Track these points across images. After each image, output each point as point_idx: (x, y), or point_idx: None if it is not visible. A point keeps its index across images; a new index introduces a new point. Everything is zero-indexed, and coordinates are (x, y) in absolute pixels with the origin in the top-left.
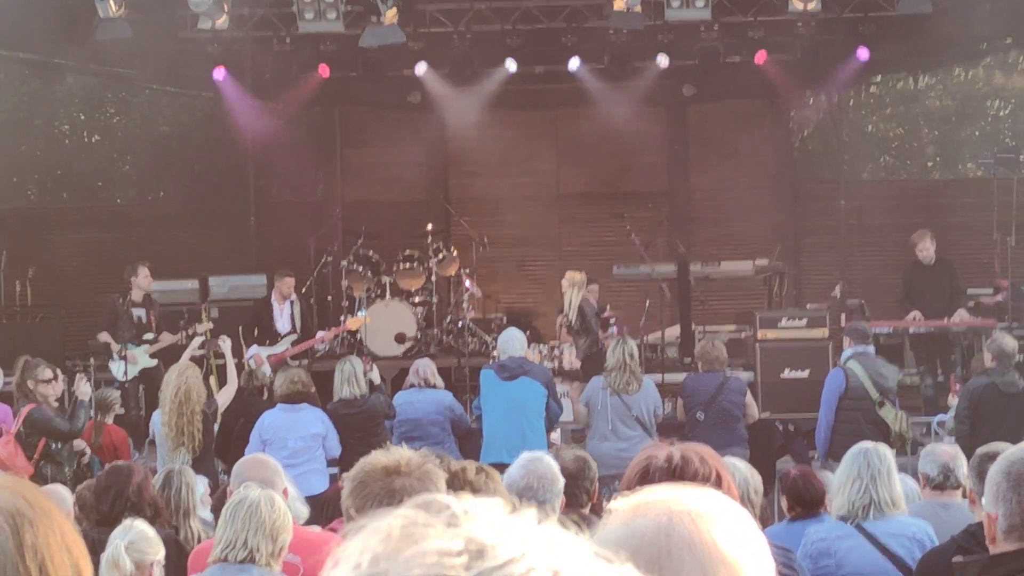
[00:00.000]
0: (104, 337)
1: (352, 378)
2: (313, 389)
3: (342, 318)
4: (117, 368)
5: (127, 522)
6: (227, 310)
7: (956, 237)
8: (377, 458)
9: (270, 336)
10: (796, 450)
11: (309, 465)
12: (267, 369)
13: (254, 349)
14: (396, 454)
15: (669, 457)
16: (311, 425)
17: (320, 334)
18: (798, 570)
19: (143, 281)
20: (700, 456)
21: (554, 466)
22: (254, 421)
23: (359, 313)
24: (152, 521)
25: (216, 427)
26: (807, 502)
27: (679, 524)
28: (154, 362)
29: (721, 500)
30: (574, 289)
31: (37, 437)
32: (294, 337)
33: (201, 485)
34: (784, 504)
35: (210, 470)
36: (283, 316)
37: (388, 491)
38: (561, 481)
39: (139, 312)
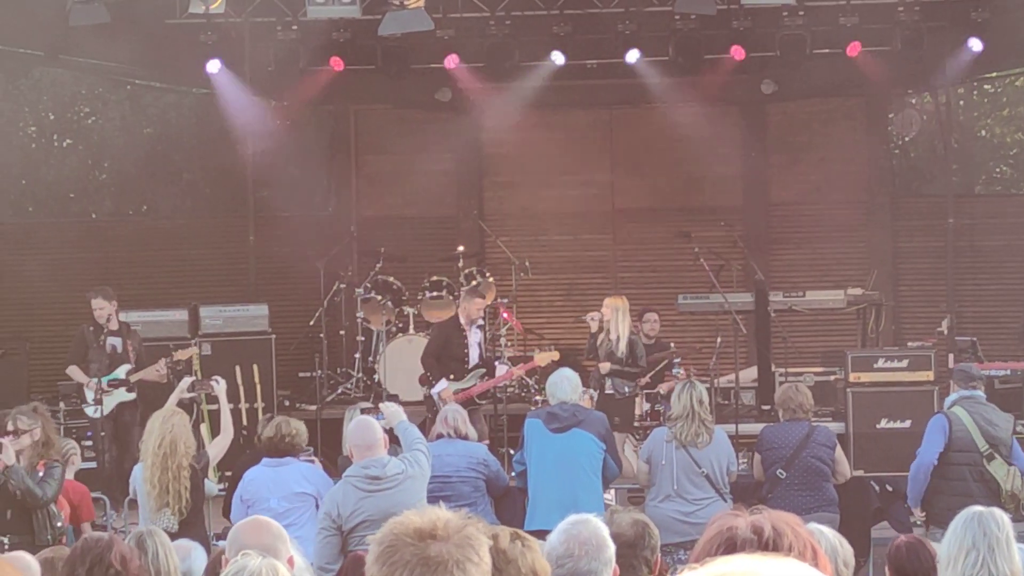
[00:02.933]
0: (74, 372)
1: None
2: (302, 440)
3: (534, 351)
4: (94, 411)
5: None
6: (221, 345)
7: None
8: (409, 519)
9: (457, 369)
10: (895, 515)
11: (296, 530)
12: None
13: (442, 384)
14: (432, 515)
15: (758, 528)
16: (296, 483)
17: (504, 369)
18: None
19: (97, 313)
20: (793, 528)
21: (602, 530)
22: None
23: (549, 350)
24: None
25: (211, 483)
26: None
27: None
28: (132, 395)
29: (806, 573)
30: (618, 314)
31: None
32: (482, 371)
33: (201, 556)
34: None
35: (201, 535)
36: (473, 344)
37: (422, 559)
38: (610, 548)
39: (114, 341)
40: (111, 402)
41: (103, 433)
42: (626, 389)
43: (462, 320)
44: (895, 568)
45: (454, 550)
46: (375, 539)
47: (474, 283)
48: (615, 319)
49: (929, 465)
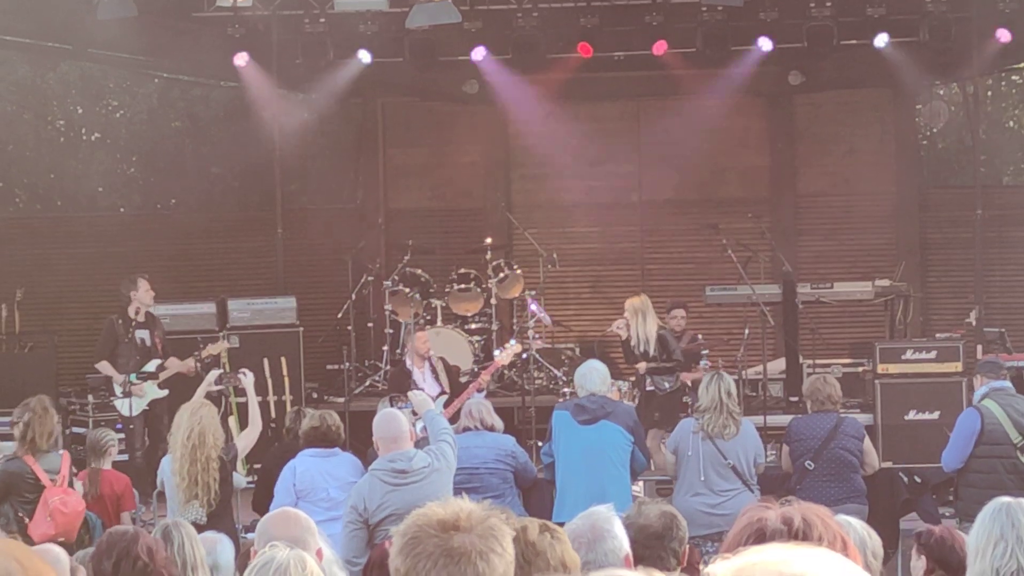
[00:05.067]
0: (104, 367)
1: None
2: (342, 431)
3: (495, 353)
4: (122, 405)
5: None
6: (249, 338)
7: None
8: (432, 510)
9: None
10: (924, 506)
11: None
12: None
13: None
14: (455, 506)
15: (788, 519)
16: (349, 472)
17: (472, 385)
18: None
19: (144, 296)
20: (823, 519)
21: (605, 522)
22: None
23: (510, 343)
24: None
25: (240, 475)
26: (951, 566)
27: None
28: (164, 392)
29: (837, 562)
30: (639, 317)
31: None
32: (445, 398)
33: (228, 548)
34: (923, 568)
35: (229, 527)
36: (426, 380)
37: (445, 550)
38: (612, 541)
39: (142, 334)
40: (143, 403)
41: (132, 427)
42: (666, 384)
43: (409, 362)
44: (930, 555)
45: (477, 541)
46: (398, 531)
47: (502, 275)
48: (636, 321)
49: (952, 472)
